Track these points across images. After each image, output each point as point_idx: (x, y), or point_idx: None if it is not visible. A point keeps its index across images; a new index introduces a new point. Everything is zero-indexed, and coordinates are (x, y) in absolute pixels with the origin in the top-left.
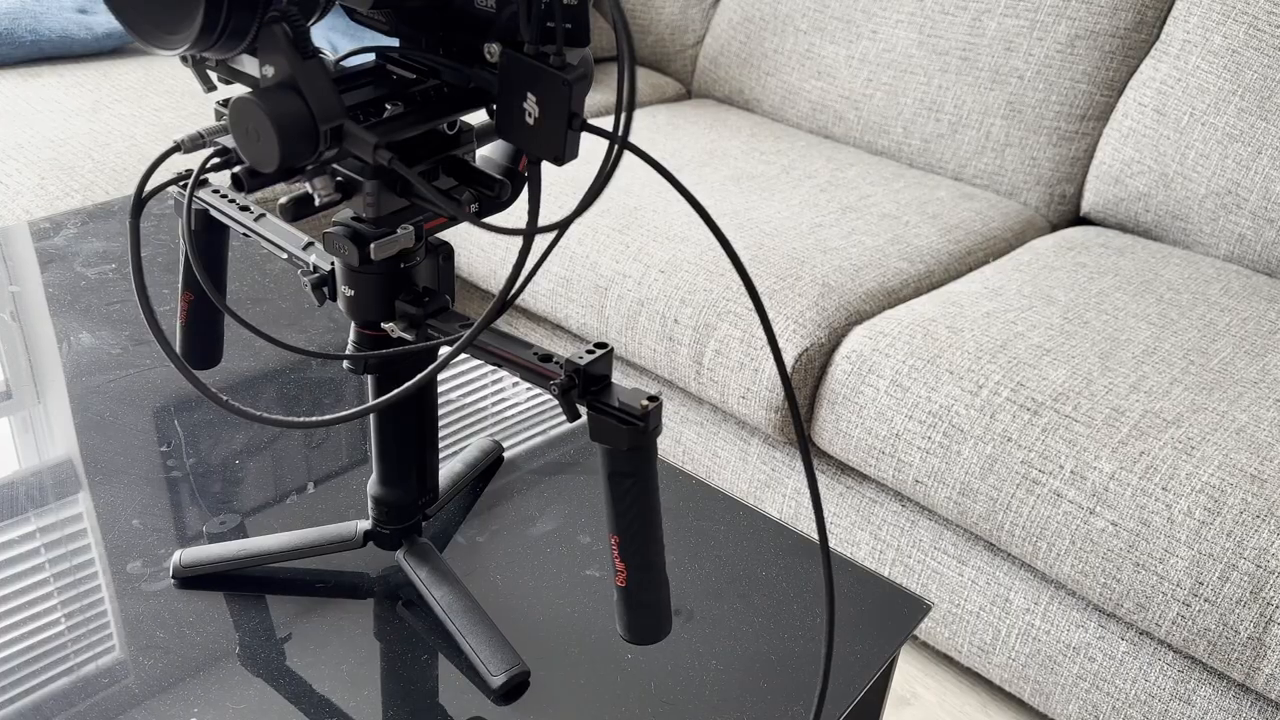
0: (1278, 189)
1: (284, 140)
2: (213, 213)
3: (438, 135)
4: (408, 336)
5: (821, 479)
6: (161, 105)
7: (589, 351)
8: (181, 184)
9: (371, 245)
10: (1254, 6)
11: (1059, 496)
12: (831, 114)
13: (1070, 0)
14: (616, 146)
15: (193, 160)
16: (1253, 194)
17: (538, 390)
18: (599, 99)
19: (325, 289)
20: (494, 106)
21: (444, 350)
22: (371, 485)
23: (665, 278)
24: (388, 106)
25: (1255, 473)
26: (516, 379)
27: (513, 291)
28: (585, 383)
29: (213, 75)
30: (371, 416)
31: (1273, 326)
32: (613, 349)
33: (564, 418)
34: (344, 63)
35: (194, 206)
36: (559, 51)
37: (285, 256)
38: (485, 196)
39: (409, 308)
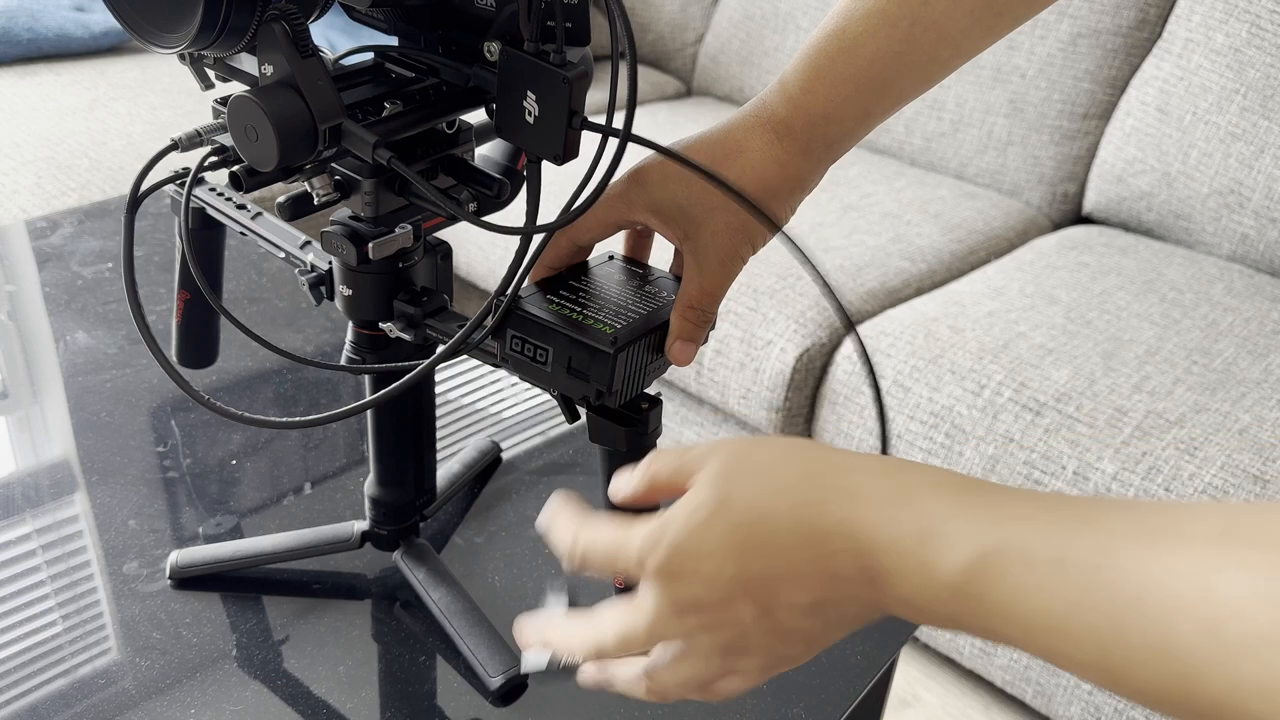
0: None
1: (283, 139)
2: (210, 211)
3: (437, 134)
4: (406, 336)
5: None
6: (159, 103)
7: None
8: (179, 182)
9: (370, 244)
10: (1256, 5)
11: None
12: None
13: None
14: (618, 142)
15: (190, 158)
16: (1256, 193)
17: (536, 390)
18: (600, 97)
19: (323, 288)
20: (493, 105)
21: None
22: (369, 486)
23: None
24: (386, 105)
25: (1258, 474)
26: (515, 379)
27: (510, 291)
28: None
29: (211, 73)
30: (369, 417)
31: (1276, 326)
32: None
33: (563, 419)
34: (343, 61)
35: (191, 205)
36: (559, 49)
37: (283, 255)
38: (484, 195)
39: (407, 307)
